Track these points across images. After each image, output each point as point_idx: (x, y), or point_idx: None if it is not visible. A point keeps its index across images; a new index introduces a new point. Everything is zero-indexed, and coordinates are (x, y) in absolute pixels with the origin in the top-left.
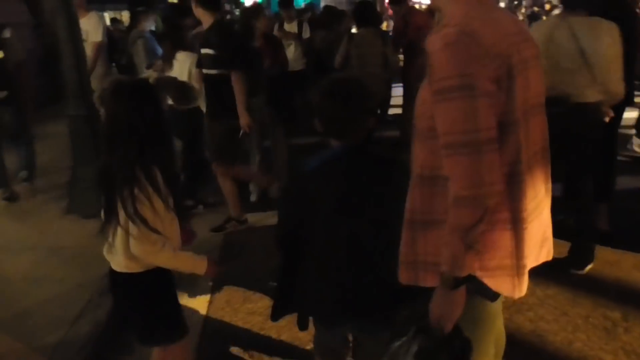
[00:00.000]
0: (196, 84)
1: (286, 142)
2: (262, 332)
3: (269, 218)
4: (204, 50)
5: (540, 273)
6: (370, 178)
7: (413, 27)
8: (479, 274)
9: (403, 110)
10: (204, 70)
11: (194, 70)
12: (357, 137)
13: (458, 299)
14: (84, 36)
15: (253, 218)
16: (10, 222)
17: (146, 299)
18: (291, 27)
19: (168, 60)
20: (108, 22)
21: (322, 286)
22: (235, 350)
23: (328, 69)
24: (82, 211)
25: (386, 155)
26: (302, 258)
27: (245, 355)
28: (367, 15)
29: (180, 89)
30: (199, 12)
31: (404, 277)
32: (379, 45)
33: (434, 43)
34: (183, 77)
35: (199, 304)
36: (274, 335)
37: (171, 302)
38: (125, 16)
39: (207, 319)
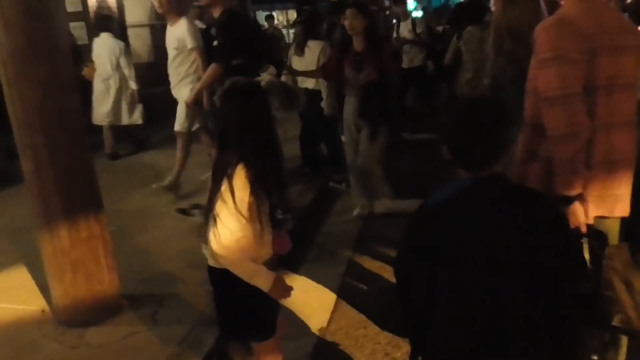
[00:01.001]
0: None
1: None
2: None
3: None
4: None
5: None
6: (509, 217)
7: None
8: None
9: None
10: None
11: (322, 59)
12: (493, 168)
13: (578, 209)
14: (174, 44)
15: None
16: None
17: (232, 295)
18: (407, 24)
19: (300, 47)
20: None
21: (455, 340)
22: None
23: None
24: None
25: (528, 188)
26: (430, 302)
27: None
28: (472, 13)
29: (287, 94)
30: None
31: None
32: (488, 40)
33: (538, 27)
34: (312, 64)
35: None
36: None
37: (257, 302)
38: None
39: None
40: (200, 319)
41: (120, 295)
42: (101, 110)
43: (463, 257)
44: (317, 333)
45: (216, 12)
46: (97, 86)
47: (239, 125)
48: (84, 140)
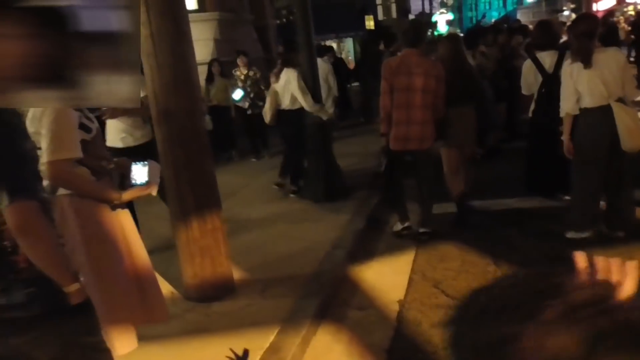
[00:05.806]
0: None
1: None
2: None
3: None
4: None
5: None
6: None
7: None
8: None
9: None
10: None
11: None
12: None
13: None
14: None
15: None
16: (268, 205)
17: None
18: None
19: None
20: None
21: None
22: None
23: None
24: (311, 197)
25: None
26: None
27: None
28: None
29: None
30: None
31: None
32: None
33: None
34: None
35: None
36: None
37: None
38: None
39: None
40: (301, 295)
41: (233, 277)
42: None
43: None
44: (397, 303)
45: None
46: None
47: None
48: (209, 152)
